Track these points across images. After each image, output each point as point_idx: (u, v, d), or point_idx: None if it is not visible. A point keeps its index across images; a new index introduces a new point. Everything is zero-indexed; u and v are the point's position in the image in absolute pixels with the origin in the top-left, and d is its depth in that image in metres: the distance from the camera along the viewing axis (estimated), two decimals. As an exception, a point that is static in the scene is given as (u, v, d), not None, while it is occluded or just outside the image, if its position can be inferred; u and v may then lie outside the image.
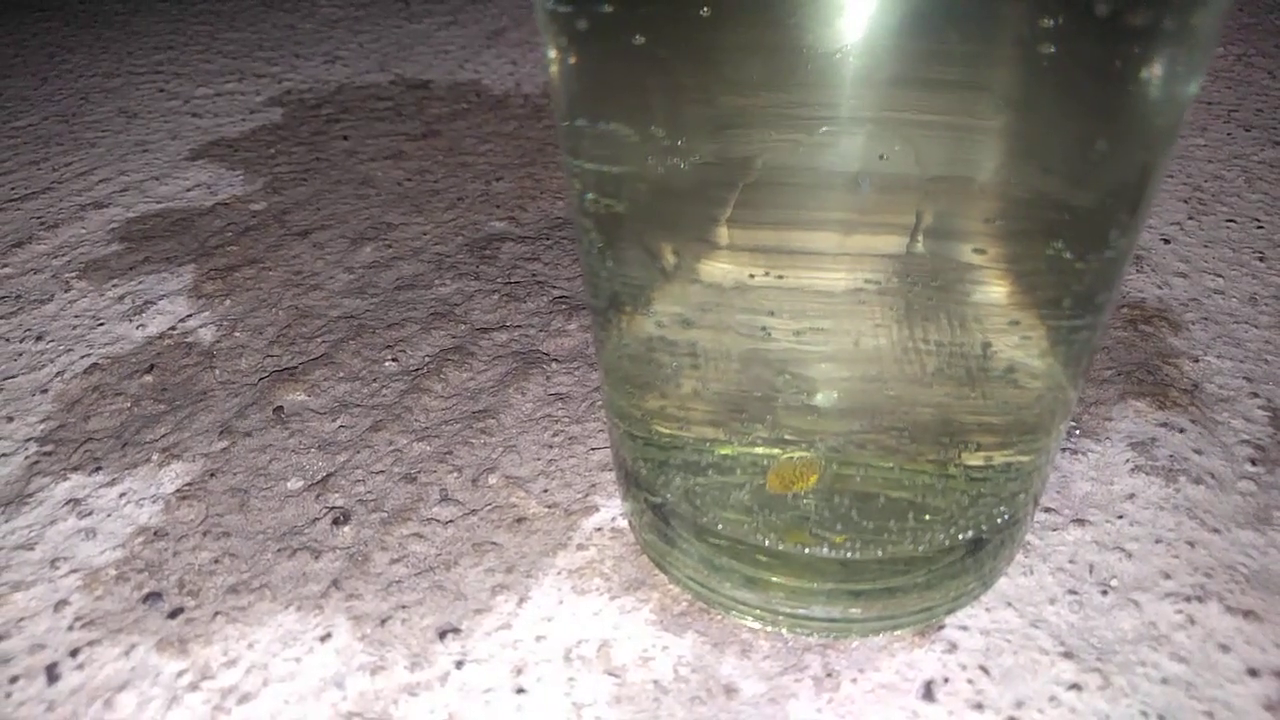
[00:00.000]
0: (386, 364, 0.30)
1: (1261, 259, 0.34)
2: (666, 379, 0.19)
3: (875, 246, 0.16)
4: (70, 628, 0.22)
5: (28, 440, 0.27)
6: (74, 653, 0.21)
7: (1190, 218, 0.37)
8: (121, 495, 0.25)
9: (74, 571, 0.23)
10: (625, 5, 0.15)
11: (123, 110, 0.50)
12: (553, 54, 0.17)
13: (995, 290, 0.17)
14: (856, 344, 0.17)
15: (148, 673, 0.21)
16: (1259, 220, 0.37)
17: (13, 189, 0.42)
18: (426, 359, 0.30)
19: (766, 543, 0.20)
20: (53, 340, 0.32)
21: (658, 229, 0.17)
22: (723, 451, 0.19)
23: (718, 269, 0.17)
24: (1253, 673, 0.20)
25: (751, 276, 0.17)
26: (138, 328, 0.32)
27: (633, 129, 0.16)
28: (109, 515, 0.25)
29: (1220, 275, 0.34)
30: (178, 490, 0.25)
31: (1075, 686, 0.20)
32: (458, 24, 0.60)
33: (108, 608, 0.22)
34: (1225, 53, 0.53)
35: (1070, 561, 0.22)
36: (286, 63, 0.55)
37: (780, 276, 0.16)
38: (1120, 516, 0.24)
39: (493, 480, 0.25)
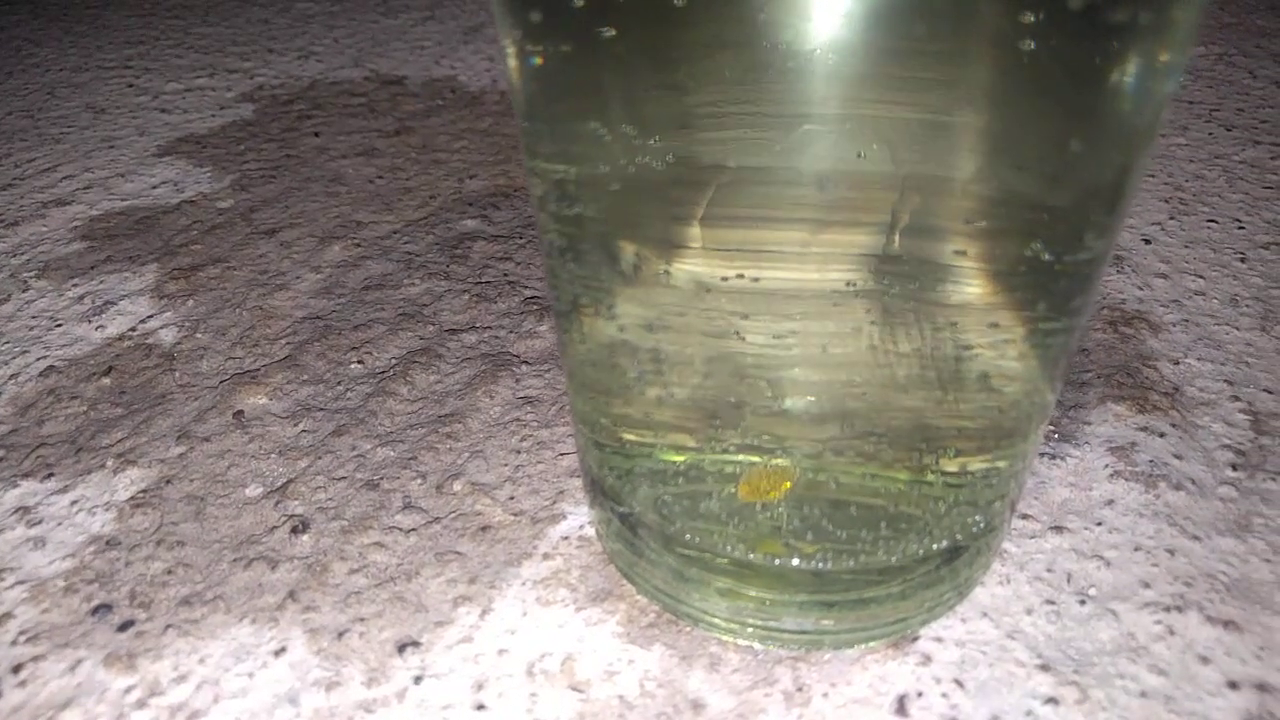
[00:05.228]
0: (352, 366, 0.29)
1: (1243, 260, 0.34)
2: (631, 385, 0.18)
3: (849, 247, 0.15)
4: (14, 642, 0.21)
5: (-22, 445, 0.27)
6: (17, 669, 0.20)
7: (1171, 218, 0.37)
8: (73, 503, 0.24)
9: (20, 583, 0.22)
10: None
11: (90, 105, 0.49)
12: (511, 49, 0.16)
13: (972, 291, 0.16)
14: (831, 348, 0.16)
15: (94, 689, 0.20)
16: (1240, 221, 0.37)
17: (-27, 186, 0.41)
18: (393, 361, 0.29)
19: (737, 553, 0.19)
20: (8, 341, 0.31)
21: (625, 231, 0.17)
22: (692, 459, 0.19)
23: (688, 271, 0.16)
24: (1233, 685, 0.19)
25: (724, 279, 0.16)
26: (97, 329, 0.31)
27: (598, 128, 0.16)
28: (59, 524, 0.24)
29: (1201, 276, 0.33)
30: (132, 498, 0.24)
31: (1052, 700, 0.19)
32: (434, 19, 0.60)
33: (55, 620, 0.21)
34: (1206, 52, 0.52)
35: (1048, 570, 0.22)
36: (259, 58, 0.54)
37: (755, 280, 0.16)
38: (1099, 523, 0.23)
39: (457, 487, 0.24)
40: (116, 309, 0.32)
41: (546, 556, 0.22)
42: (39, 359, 0.30)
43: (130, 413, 0.28)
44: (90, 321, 0.32)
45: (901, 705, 0.19)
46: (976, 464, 0.19)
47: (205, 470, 0.25)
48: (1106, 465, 0.25)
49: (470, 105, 0.47)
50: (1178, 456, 0.25)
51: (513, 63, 0.17)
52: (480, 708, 0.19)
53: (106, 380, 0.29)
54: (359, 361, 0.29)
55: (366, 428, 0.26)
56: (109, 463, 0.26)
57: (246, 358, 0.30)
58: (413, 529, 0.23)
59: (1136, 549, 0.22)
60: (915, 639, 0.20)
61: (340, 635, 0.21)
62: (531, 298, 0.32)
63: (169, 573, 0.22)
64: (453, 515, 0.24)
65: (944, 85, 0.14)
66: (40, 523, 0.24)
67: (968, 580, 0.21)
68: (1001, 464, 0.19)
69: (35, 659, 0.20)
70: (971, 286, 0.16)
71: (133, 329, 0.31)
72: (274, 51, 0.55)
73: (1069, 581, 0.22)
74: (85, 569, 0.22)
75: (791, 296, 0.16)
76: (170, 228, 0.37)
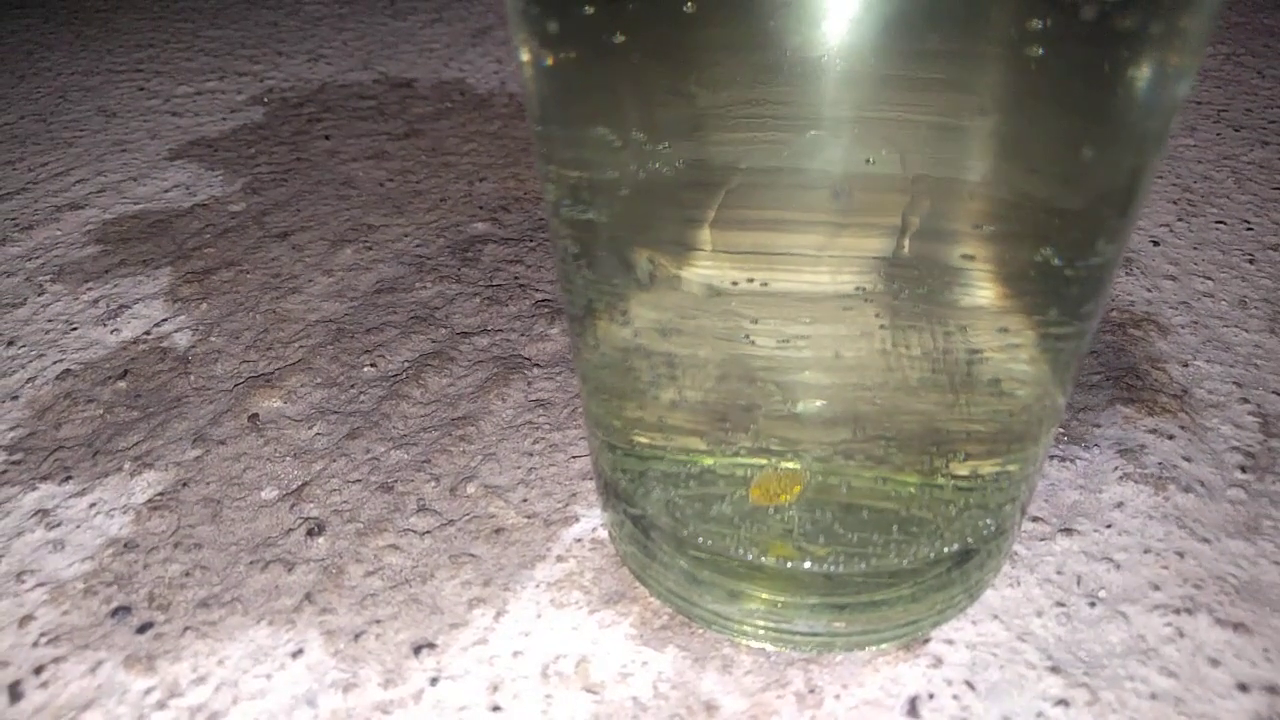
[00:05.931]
0: (365, 369, 0.29)
1: (1251, 261, 0.34)
2: (644, 389, 0.19)
3: (860, 251, 0.15)
4: (35, 644, 0.21)
5: (-4, 449, 0.27)
6: (38, 670, 0.20)
7: (1180, 219, 0.37)
8: (91, 506, 0.25)
9: (40, 585, 0.22)
10: (603, 5, 0.15)
11: (102, 109, 0.49)
12: (526, 57, 0.17)
13: (983, 296, 0.16)
14: (842, 352, 0.16)
15: (114, 690, 0.20)
16: (1248, 222, 0.37)
17: (-13, 189, 0.41)
18: (406, 364, 0.29)
19: (749, 556, 0.19)
20: (25, 345, 0.31)
21: (637, 236, 0.17)
22: (704, 463, 0.19)
23: (699, 276, 0.16)
24: (1243, 687, 0.19)
25: (734, 284, 0.16)
26: (112, 332, 0.32)
27: (610, 133, 0.16)
28: (78, 526, 0.24)
29: (1210, 278, 0.33)
30: (149, 500, 0.25)
31: (1062, 702, 0.19)
32: (443, 21, 0.60)
33: (75, 622, 0.22)
34: (1214, 52, 0.52)
35: (1058, 572, 0.22)
36: (269, 61, 0.55)
37: (766, 284, 0.16)
38: (1109, 526, 0.23)
39: (471, 489, 0.25)
40: (131, 312, 0.32)
41: (560, 559, 0.23)
42: (55, 362, 0.30)
43: (146, 416, 0.28)
44: (105, 325, 0.32)
45: (913, 707, 0.19)
46: (987, 467, 0.19)
47: (221, 473, 0.25)
48: (1116, 468, 0.25)
49: (479, 108, 0.48)
50: (1187, 459, 0.25)
51: (526, 69, 0.17)
52: (496, 709, 0.19)
53: (122, 384, 0.29)
54: (372, 364, 0.29)
55: (380, 430, 0.27)
56: (126, 465, 0.26)
57: (260, 361, 0.30)
58: (427, 531, 0.23)
59: (1146, 551, 0.23)
60: (926, 641, 0.20)
61: (357, 637, 0.21)
62: (542, 300, 0.32)
63: (187, 575, 0.23)
64: (466, 518, 0.24)
65: (954, 90, 0.14)
66: (59, 525, 0.24)
67: (978, 583, 0.21)
68: (1012, 467, 0.19)
69: (56, 660, 0.21)
70: (982, 291, 0.16)
71: (147, 332, 0.31)
72: (283, 54, 0.55)
73: (1079, 584, 0.22)
74: (104, 571, 0.23)
75: (802, 300, 0.16)
76: (183, 231, 0.37)
